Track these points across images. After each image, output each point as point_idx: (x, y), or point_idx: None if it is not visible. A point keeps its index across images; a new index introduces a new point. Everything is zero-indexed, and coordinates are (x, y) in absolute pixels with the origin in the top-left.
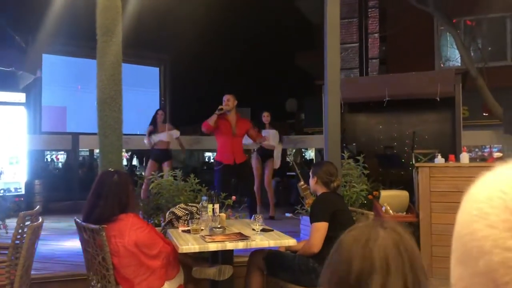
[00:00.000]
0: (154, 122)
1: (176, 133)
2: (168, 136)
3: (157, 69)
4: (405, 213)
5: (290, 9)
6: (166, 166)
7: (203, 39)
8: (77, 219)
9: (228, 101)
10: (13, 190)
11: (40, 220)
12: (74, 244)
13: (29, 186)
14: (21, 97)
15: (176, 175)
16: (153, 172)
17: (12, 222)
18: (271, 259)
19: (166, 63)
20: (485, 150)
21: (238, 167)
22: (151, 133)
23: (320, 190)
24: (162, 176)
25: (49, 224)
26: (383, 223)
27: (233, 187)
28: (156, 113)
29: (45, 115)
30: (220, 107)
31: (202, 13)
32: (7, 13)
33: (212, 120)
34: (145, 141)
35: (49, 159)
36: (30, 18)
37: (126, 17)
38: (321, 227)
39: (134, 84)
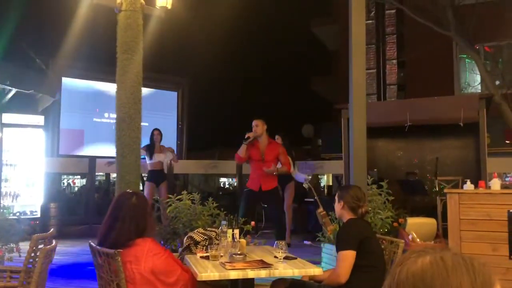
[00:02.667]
0: (151, 142)
1: (169, 154)
2: (163, 156)
3: (175, 93)
4: (433, 242)
5: (306, 36)
6: (163, 188)
7: (220, 64)
8: (91, 243)
9: (257, 127)
10: (28, 213)
11: (54, 243)
12: (88, 269)
13: (44, 209)
14: (39, 119)
15: (193, 198)
16: (170, 196)
17: (26, 246)
18: None
19: (184, 87)
20: (506, 179)
21: (265, 194)
22: (148, 152)
23: (347, 216)
24: (179, 200)
25: (63, 248)
26: (438, 248)
27: (257, 213)
28: (152, 133)
29: (63, 138)
30: (246, 135)
31: (220, 39)
32: (29, 36)
33: (242, 151)
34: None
35: (65, 183)
36: (50, 41)
37: (146, 40)
38: (349, 256)
39: (152, 108)
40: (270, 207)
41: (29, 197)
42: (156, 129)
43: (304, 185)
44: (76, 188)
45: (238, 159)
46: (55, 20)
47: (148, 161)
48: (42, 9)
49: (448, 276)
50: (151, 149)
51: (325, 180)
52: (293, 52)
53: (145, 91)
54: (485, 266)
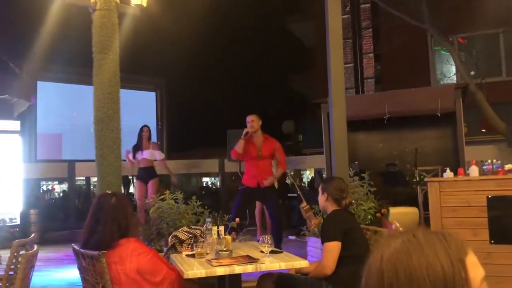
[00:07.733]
0: (139, 139)
1: (160, 154)
2: (150, 154)
3: (154, 93)
4: None
5: (283, 33)
6: (150, 186)
7: (199, 63)
8: (75, 246)
9: (252, 122)
10: (8, 221)
11: (35, 248)
12: (72, 274)
13: (24, 216)
14: (15, 125)
15: (177, 198)
16: (153, 196)
17: (6, 254)
18: (281, 283)
19: (162, 87)
20: (484, 167)
21: (263, 191)
22: (135, 150)
23: (331, 207)
24: (162, 200)
25: (45, 254)
26: (407, 230)
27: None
28: (142, 129)
29: (41, 142)
30: (245, 130)
31: (198, 37)
32: (1, 39)
33: (240, 146)
34: (126, 159)
35: (45, 189)
36: (24, 44)
37: (122, 40)
38: (334, 247)
39: (130, 109)
40: (269, 205)
41: (8, 204)
42: (145, 125)
43: (287, 181)
44: (56, 193)
45: (235, 155)
46: (28, 22)
47: (136, 157)
48: (14, 12)
49: (423, 249)
50: (138, 147)
51: (307, 174)
52: (271, 49)
53: (123, 91)
54: (456, 236)
